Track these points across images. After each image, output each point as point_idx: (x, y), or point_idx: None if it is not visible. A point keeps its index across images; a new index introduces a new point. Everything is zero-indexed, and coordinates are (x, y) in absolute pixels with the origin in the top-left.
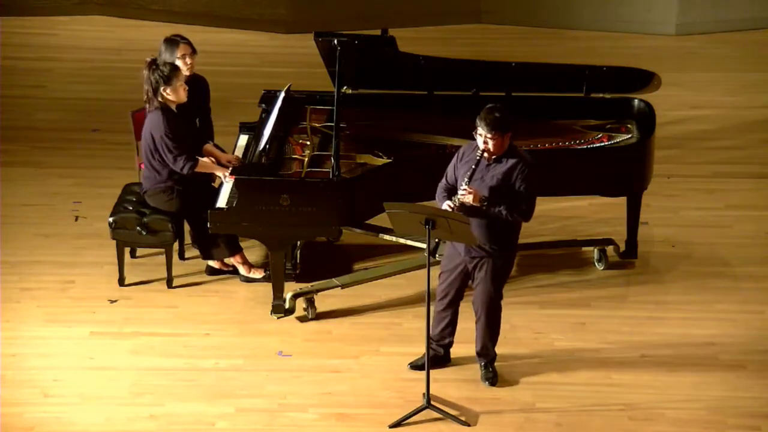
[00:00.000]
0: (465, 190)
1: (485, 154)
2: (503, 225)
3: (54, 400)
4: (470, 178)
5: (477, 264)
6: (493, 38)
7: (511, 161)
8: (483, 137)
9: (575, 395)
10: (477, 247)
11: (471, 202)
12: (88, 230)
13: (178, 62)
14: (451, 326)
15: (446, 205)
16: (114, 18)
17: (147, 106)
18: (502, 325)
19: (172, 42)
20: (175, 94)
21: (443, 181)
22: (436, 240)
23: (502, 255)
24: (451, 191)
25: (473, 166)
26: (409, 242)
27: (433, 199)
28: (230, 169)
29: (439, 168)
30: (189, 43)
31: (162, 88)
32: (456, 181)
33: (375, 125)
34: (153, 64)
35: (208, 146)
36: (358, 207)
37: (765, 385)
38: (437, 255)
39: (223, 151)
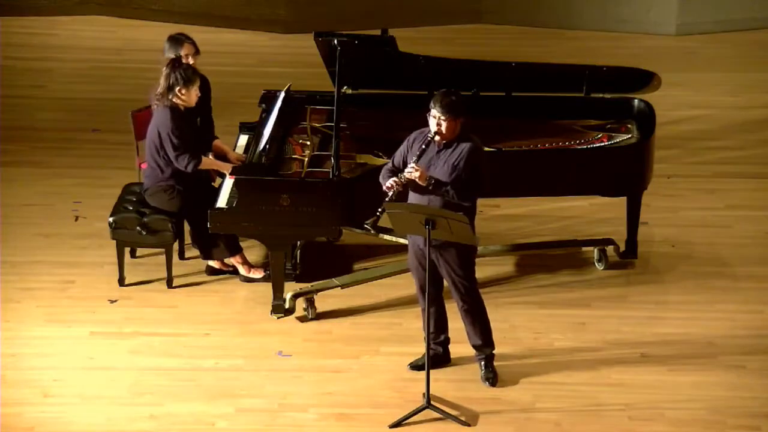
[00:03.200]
0: (413, 167)
1: (437, 137)
2: (459, 208)
3: (54, 400)
4: (419, 158)
5: (440, 252)
6: (493, 38)
7: (461, 146)
8: (436, 119)
9: (575, 395)
10: None
11: (417, 180)
12: (88, 230)
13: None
14: (441, 321)
15: (391, 181)
16: (114, 18)
17: (155, 102)
18: (502, 324)
19: (177, 41)
20: (188, 97)
21: (389, 163)
22: (378, 214)
23: None
24: (396, 173)
25: (423, 146)
26: (401, 241)
27: None
28: (231, 165)
29: None
30: (193, 43)
31: (178, 89)
32: (403, 165)
33: (375, 125)
34: (177, 62)
35: (218, 143)
36: (358, 207)
37: (765, 385)
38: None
39: None
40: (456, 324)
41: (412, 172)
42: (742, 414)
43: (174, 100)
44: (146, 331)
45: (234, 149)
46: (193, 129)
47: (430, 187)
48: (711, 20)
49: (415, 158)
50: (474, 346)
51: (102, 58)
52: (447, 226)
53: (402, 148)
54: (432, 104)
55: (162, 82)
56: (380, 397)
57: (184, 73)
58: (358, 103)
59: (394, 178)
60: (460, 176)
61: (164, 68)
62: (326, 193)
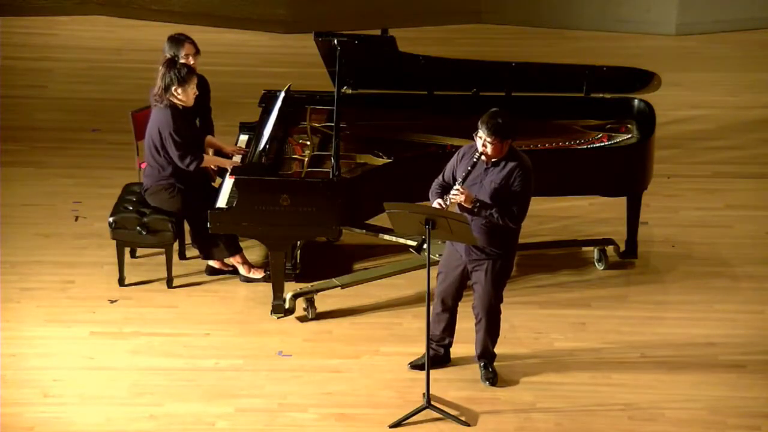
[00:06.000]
0: (458, 190)
1: (483, 157)
2: (503, 228)
3: (54, 400)
4: (464, 180)
5: (476, 266)
6: (493, 38)
7: (510, 165)
8: (482, 140)
9: (575, 395)
10: (477, 250)
11: (462, 203)
12: (88, 230)
13: (182, 62)
14: (450, 327)
15: (437, 204)
16: (114, 18)
17: (153, 101)
18: (502, 324)
19: (177, 41)
20: (185, 96)
21: (439, 177)
22: (423, 237)
23: (503, 257)
24: (445, 189)
25: (469, 168)
26: (409, 242)
27: None
28: (234, 158)
29: (439, 168)
30: (193, 43)
31: (174, 88)
32: (452, 180)
33: (375, 125)
34: (171, 62)
35: (210, 138)
36: (358, 207)
37: (765, 385)
38: (421, 252)
39: None
40: (458, 324)
41: (457, 195)
42: (742, 414)
43: (171, 99)
44: (146, 331)
45: None
46: (193, 128)
47: (476, 210)
48: (711, 20)
49: (460, 180)
50: (477, 354)
51: (102, 58)
52: (447, 226)
53: (452, 162)
54: (479, 124)
55: (158, 82)
56: (380, 397)
57: (179, 72)
58: (358, 103)
59: (439, 201)
60: (508, 198)
61: (160, 68)
62: (326, 193)
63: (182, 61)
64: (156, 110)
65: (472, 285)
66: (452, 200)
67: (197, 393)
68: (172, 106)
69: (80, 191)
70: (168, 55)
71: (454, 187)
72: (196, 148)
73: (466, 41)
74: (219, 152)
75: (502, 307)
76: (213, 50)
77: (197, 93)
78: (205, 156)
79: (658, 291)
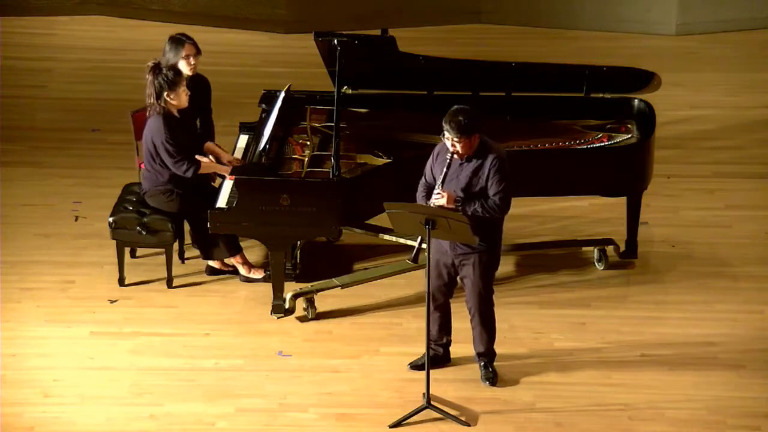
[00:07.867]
0: (438, 193)
1: (455, 156)
2: (488, 221)
3: (54, 400)
4: (443, 182)
5: (463, 261)
6: (493, 38)
7: (483, 158)
8: (450, 140)
9: (575, 395)
10: (462, 244)
11: (446, 205)
12: (88, 230)
13: (182, 62)
14: (445, 324)
15: None
16: (114, 18)
17: (148, 109)
18: (502, 324)
19: (178, 41)
20: (177, 99)
21: (423, 179)
22: (417, 247)
23: (488, 250)
24: (430, 189)
25: (445, 169)
26: (409, 242)
27: None
28: (231, 168)
29: None
30: (194, 44)
31: (166, 93)
32: (434, 179)
33: (375, 125)
34: (157, 69)
35: (209, 144)
36: (358, 207)
37: (765, 385)
38: (417, 262)
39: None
40: (457, 324)
41: (438, 198)
42: (742, 414)
43: (165, 105)
44: (146, 331)
45: (234, 149)
46: (190, 132)
47: (459, 208)
48: (711, 20)
49: (439, 182)
50: (477, 353)
51: (102, 58)
52: (447, 226)
53: (429, 163)
54: (443, 125)
55: (148, 90)
56: (380, 397)
57: (166, 77)
58: (358, 103)
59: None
60: (488, 190)
61: (147, 75)
62: (326, 193)
63: (183, 61)
64: (151, 119)
65: (461, 280)
66: (435, 204)
67: (197, 393)
68: (165, 114)
69: (80, 191)
70: (171, 56)
71: (435, 191)
72: (192, 154)
73: (466, 41)
74: (216, 160)
75: (502, 307)
76: (213, 50)
77: (189, 93)
78: (203, 162)
79: (658, 291)
